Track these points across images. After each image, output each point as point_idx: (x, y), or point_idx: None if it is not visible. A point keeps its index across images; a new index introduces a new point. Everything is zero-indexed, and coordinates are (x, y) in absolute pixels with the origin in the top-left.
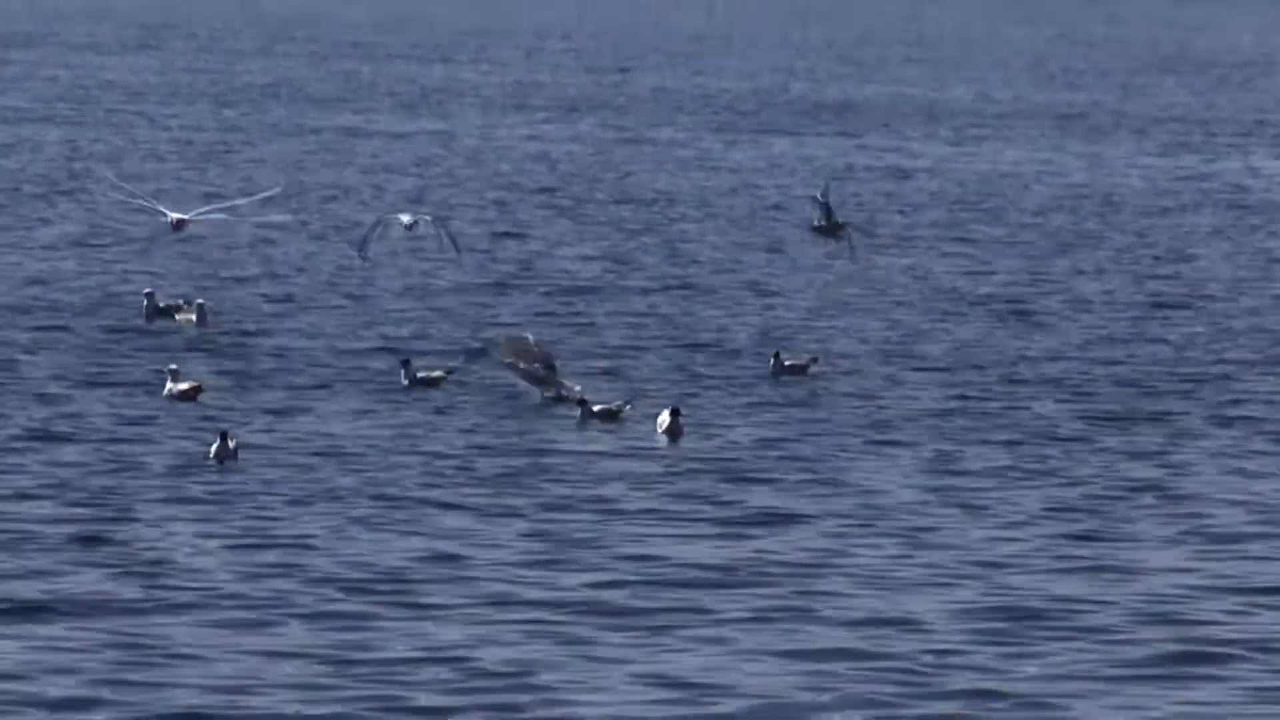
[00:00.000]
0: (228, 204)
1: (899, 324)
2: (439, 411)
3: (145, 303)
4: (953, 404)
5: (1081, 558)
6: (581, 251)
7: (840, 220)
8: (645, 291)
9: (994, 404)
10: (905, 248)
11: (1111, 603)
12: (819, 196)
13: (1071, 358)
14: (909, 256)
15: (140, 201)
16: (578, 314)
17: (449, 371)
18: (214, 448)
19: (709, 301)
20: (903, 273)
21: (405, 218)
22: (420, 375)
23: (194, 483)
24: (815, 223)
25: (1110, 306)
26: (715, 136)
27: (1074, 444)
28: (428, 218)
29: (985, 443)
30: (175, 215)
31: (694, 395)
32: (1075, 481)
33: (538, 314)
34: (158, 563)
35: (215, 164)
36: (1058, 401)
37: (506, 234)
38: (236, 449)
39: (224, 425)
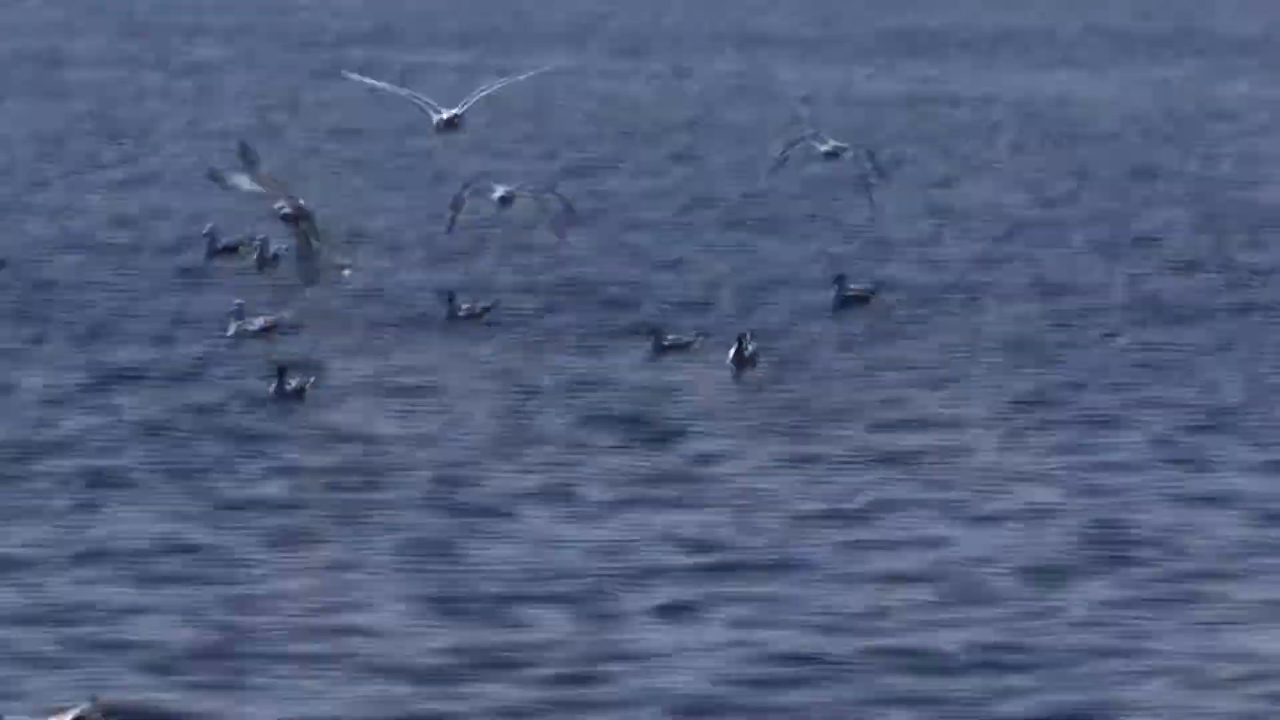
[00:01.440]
0: (499, 84)
1: (968, 254)
2: (507, 349)
3: (207, 241)
4: (1026, 332)
5: (1181, 486)
6: (656, 186)
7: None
8: (720, 225)
9: (1070, 333)
10: (977, 176)
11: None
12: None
13: (1150, 285)
14: (980, 185)
15: (405, 95)
16: (651, 248)
17: (492, 305)
18: (273, 385)
19: (780, 235)
20: (975, 203)
21: (500, 190)
22: (464, 309)
23: (258, 419)
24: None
25: (1191, 231)
26: (822, 66)
27: (1167, 371)
28: (528, 193)
29: (1063, 372)
30: (448, 112)
31: (761, 327)
32: (1169, 407)
33: (608, 249)
34: (230, 500)
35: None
36: (1139, 327)
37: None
38: (304, 387)
39: (282, 363)
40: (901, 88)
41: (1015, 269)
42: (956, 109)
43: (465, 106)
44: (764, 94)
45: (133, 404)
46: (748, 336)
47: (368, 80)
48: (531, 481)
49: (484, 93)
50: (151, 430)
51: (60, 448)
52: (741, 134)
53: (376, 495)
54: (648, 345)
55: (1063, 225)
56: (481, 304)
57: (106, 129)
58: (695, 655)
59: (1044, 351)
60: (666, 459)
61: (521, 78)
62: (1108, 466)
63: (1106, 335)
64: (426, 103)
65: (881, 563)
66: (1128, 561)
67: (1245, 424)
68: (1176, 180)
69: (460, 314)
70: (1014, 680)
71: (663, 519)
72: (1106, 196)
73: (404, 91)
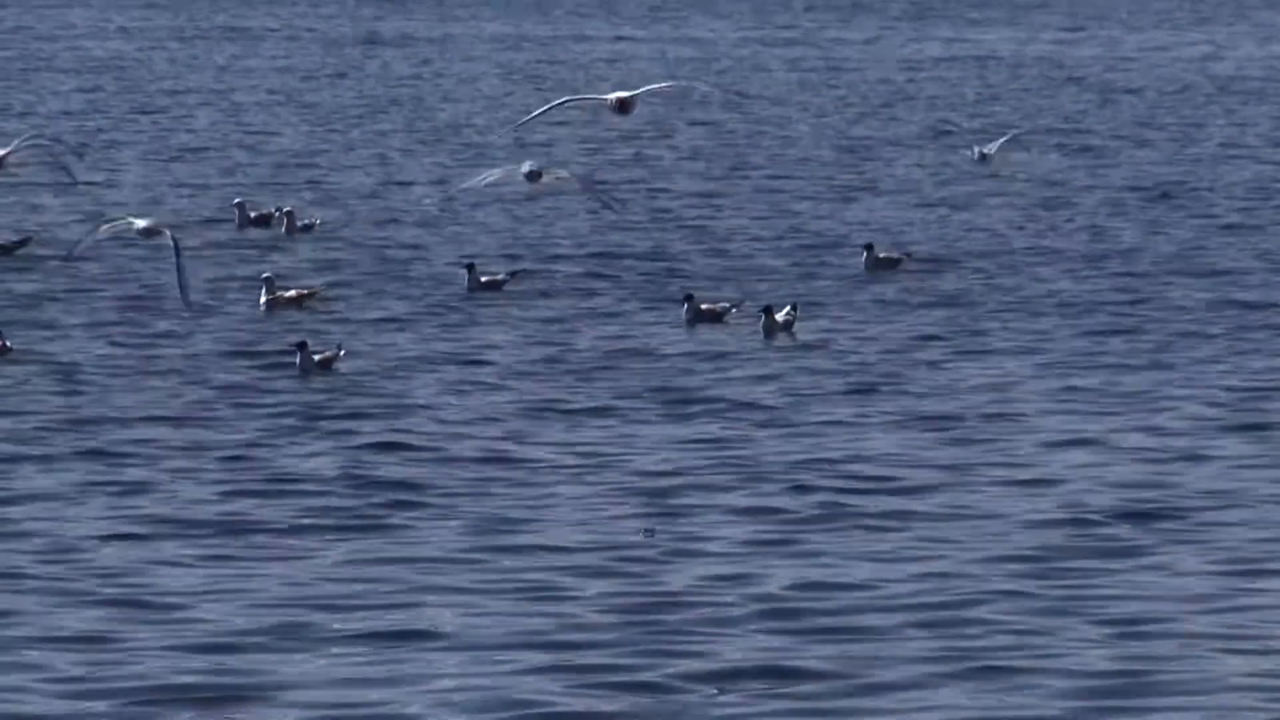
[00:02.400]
0: (672, 83)
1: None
2: (529, 318)
3: (236, 213)
4: (1066, 295)
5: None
6: (695, 154)
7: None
8: (756, 192)
9: (1125, 295)
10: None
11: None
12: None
13: (1208, 246)
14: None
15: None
16: (680, 214)
17: (512, 274)
18: (299, 357)
19: (816, 199)
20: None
21: (526, 165)
22: (484, 280)
23: (288, 391)
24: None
25: (1242, 191)
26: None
27: (1220, 339)
28: (563, 172)
29: (1104, 334)
30: (617, 94)
31: (795, 293)
32: (1213, 368)
33: (635, 216)
34: (268, 473)
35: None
36: (1197, 291)
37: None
38: (331, 358)
39: (305, 337)
40: (935, 50)
41: (1054, 233)
42: (988, 69)
43: (640, 91)
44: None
45: (166, 377)
46: (779, 307)
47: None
48: (570, 452)
49: (659, 86)
50: (185, 403)
51: (93, 422)
52: (775, 99)
53: (411, 469)
54: (682, 312)
55: (1106, 186)
56: (503, 274)
57: (138, 102)
58: (727, 626)
59: (1085, 314)
60: (705, 428)
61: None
62: (1153, 430)
63: (1137, 300)
64: (589, 98)
65: (924, 529)
66: (1172, 528)
67: None
68: (1222, 140)
69: (481, 284)
70: (1066, 648)
71: (705, 489)
72: (1150, 157)
73: (563, 99)
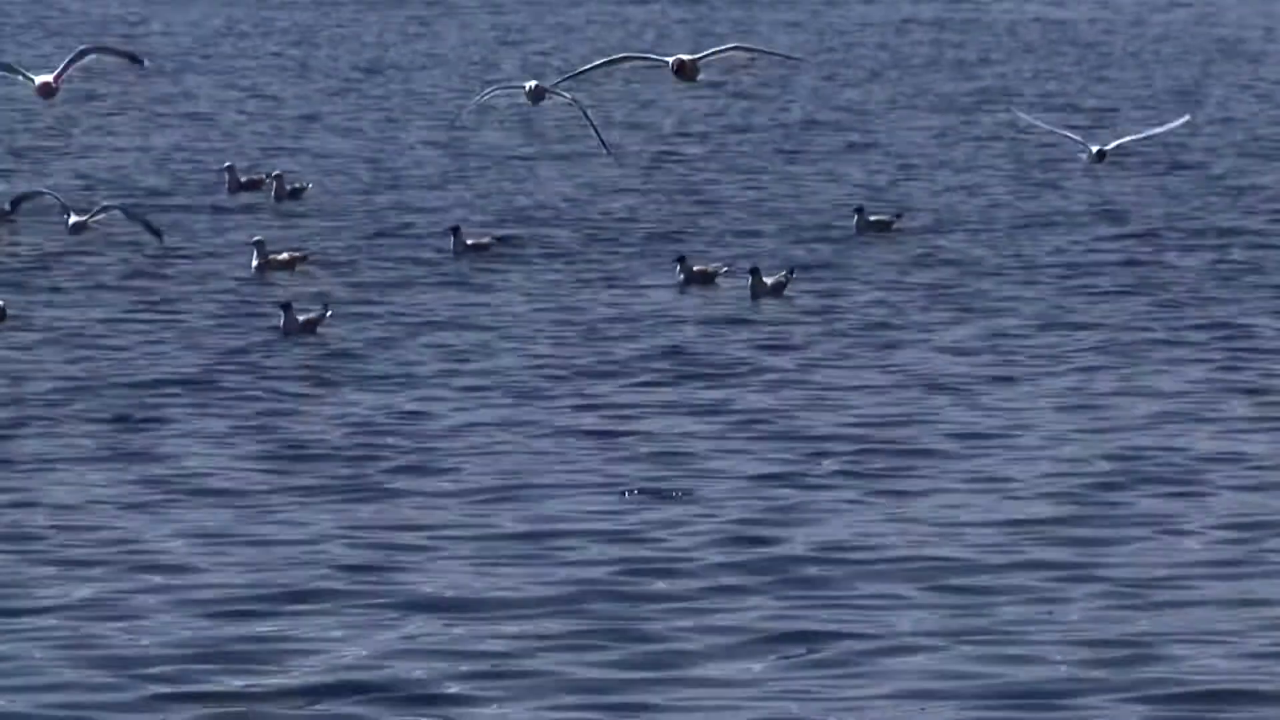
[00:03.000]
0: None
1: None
2: (516, 280)
3: (227, 177)
4: (1059, 259)
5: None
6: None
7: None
8: (750, 155)
9: (1097, 257)
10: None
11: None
12: None
13: (1190, 209)
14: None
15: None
16: (665, 177)
17: (498, 239)
18: (283, 320)
19: (811, 163)
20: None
21: (531, 83)
22: (470, 243)
23: (277, 356)
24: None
25: (1236, 155)
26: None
27: (1202, 296)
28: (565, 96)
29: (1080, 296)
30: (678, 56)
31: (784, 255)
32: (1204, 331)
33: (624, 177)
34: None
35: None
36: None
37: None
38: (317, 321)
39: (285, 298)
40: (930, 11)
41: (1046, 195)
42: (987, 31)
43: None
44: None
45: (163, 342)
46: (774, 270)
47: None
48: (562, 417)
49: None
50: (182, 368)
51: (89, 390)
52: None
53: (401, 434)
54: (676, 274)
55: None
56: (489, 237)
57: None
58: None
59: (1085, 276)
60: (696, 392)
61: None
62: (1144, 393)
63: (1129, 261)
64: (646, 56)
65: (928, 490)
66: (1158, 492)
67: None
68: (1219, 102)
69: (468, 247)
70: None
71: (703, 452)
72: (1139, 121)
73: (619, 56)
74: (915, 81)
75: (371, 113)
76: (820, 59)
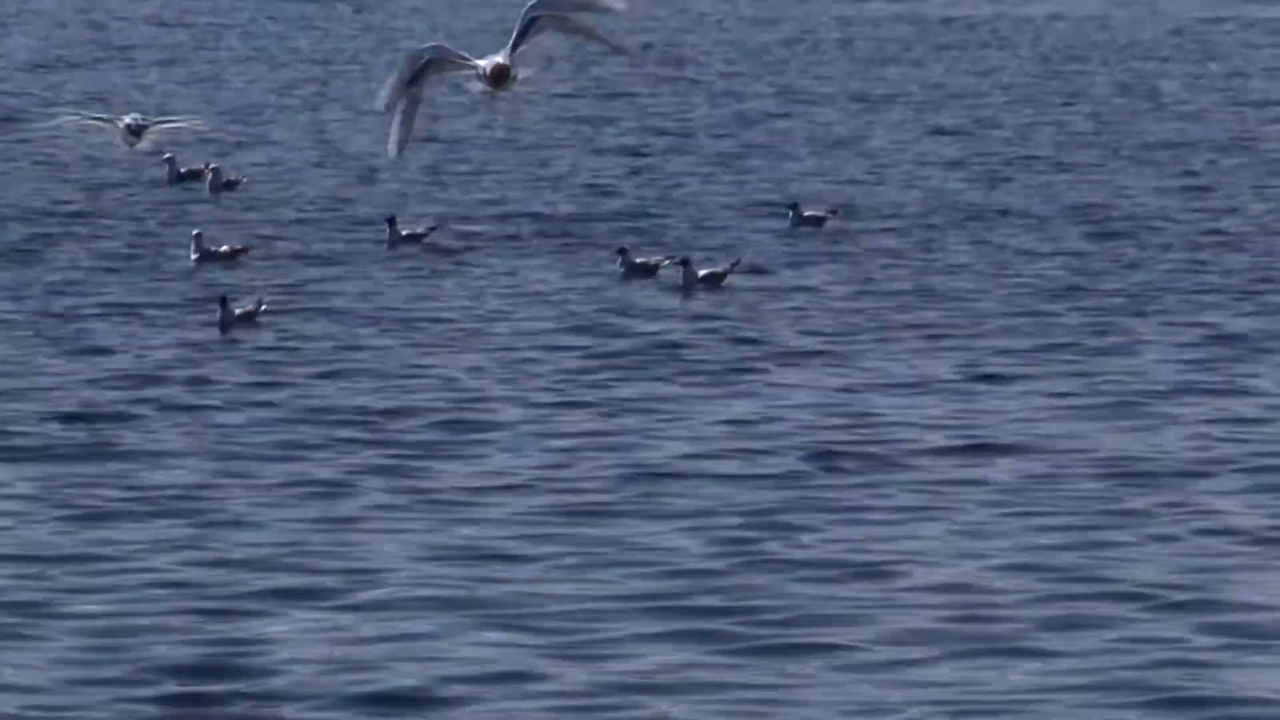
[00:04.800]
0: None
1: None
2: (450, 271)
3: (168, 168)
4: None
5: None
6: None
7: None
8: (692, 149)
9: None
10: (931, 110)
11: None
12: None
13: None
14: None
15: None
16: (602, 169)
17: (433, 229)
18: (219, 313)
19: (751, 156)
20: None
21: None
22: (405, 233)
23: (214, 349)
24: None
25: (1188, 151)
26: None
27: (1130, 293)
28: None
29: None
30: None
31: (717, 249)
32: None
33: (582, 179)
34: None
35: None
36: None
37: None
38: (253, 312)
39: (223, 291)
40: (895, 8)
41: (996, 189)
42: (947, 28)
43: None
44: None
45: (102, 336)
46: (719, 261)
47: None
48: (496, 410)
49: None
50: (119, 360)
51: (32, 392)
52: (731, 60)
53: (343, 426)
54: (616, 266)
55: (1053, 146)
56: (424, 227)
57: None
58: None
59: (1013, 276)
60: (619, 389)
61: None
62: (1118, 392)
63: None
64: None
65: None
66: (1147, 487)
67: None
68: (1174, 99)
69: (403, 237)
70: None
71: (619, 451)
72: (1096, 116)
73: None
74: (833, 72)
75: (315, 107)
76: (767, 58)
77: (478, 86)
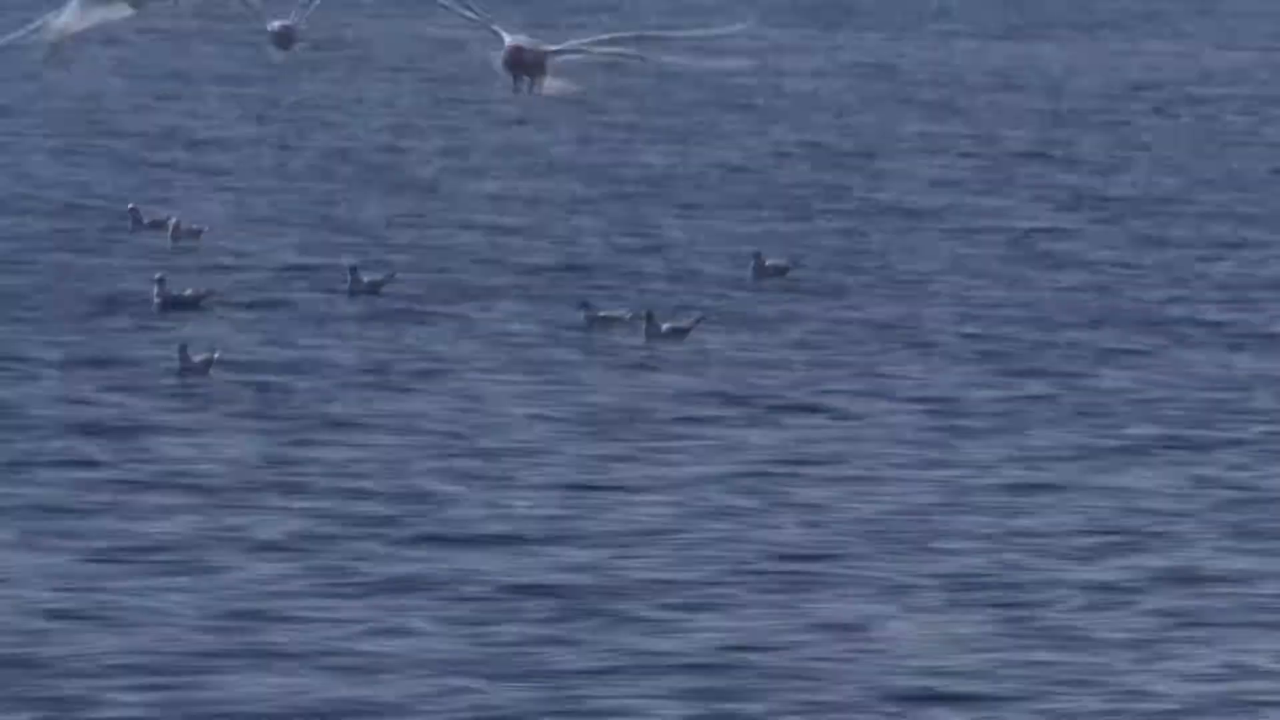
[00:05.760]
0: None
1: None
2: (411, 321)
3: (131, 216)
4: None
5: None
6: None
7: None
8: (643, 197)
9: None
10: (892, 157)
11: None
12: None
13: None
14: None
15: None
16: (560, 217)
17: (391, 276)
18: (178, 361)
19: (711, 208)
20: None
21: (276, 23)
22: (367, 280)
23: (170, 396)
24: None
25: (1158, 199)
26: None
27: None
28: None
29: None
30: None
31: (679, 301)
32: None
33: (541, 228)
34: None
35: None
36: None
37: None
38: (208, 361)
39: (182, 339)
40: (855, 57)
41: (958, 247)
42: (897, 78)
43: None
44: None
45: (58, 381)
46: (680, 316)
47: None
48: (451, 461)
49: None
50: (73, 403)
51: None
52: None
53: (300, 472)
54: (580, 319)
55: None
56: (382, 275)
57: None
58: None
59: (972, 329)
60: (582, 445)
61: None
62: (1086, 443)
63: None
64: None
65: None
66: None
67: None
68: (1144, 144)
69: (364, 285)
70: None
71: (607, 505)
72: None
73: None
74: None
75: (273, 149)
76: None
77: (497, 63)
